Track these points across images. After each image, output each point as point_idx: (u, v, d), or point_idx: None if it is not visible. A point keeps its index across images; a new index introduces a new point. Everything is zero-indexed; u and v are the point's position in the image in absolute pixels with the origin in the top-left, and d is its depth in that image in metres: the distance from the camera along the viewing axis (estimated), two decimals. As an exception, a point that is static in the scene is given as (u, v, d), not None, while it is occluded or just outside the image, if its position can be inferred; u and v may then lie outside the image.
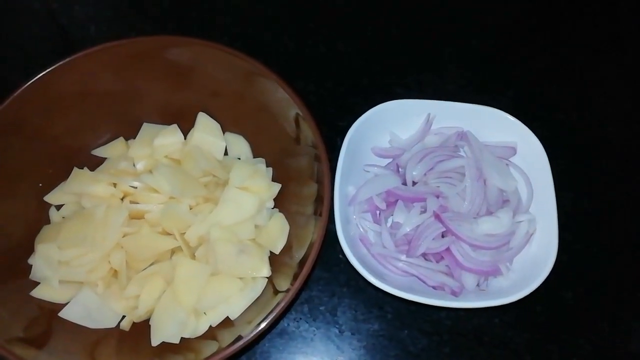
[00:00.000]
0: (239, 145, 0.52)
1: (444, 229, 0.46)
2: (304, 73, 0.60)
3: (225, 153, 0.52)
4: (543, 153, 0.49)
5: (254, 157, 0.52)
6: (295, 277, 0.41)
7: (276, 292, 0.44)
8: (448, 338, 0.48)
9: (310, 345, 0.48)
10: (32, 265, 0.44)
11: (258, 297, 0.45)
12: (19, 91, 0.46)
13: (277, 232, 0.47)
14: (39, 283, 0.44)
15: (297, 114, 0.46)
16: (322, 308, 0.50)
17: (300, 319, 0.49)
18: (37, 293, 0.44)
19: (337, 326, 0.49)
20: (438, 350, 0.48)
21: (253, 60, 0.47)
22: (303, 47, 0.63)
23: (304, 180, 0.48)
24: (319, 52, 0.63)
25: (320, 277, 0.51)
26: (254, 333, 0.39)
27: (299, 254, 0.45)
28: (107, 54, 0.48)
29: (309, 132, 0.45)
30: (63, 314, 0.43)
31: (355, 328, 0.49)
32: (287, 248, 0.47)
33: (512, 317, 0.49)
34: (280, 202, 0.50)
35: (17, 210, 0.46)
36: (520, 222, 0.47)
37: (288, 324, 0.49)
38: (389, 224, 0.49)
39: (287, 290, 0.41)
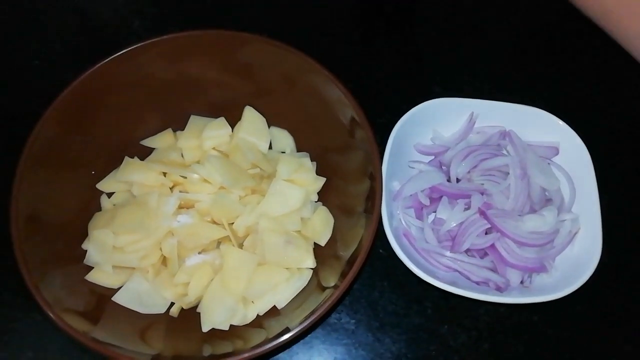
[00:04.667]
0: (284, 139, 0.53)
1: (488, 226, 0.46)
2: (344, 70, 0.61)
3: (270, 147, 0.53)
4: (586, 153, 0.49)
5: (298, 151, 0.54)
6: (343, 274, 0.42)
7: (320, 284, 0.45)
8: (487, 334, 0.49)
9: (351, 337, 0.49)
10: (86, 251, 0.46)
11: (304, 288, 0.46)
12: (75, 82, 0.47)
13: (322, 224, 0.48)
14: (93, 268, 0.45)
15: (349, 112, 0.46)
16: (362, 301, 0.50)
17: (342, 310, 0.50)
18: (91, 277, 0.45)
19: (377, 319, 0.50)
20: (477, 346, 0.48)
21: (306, 57, 0.47)
22: (343, 45, 0.64)
23: (351, 176, 0.48)
24: (359, 50, 0.64)
25: (362, 271, 0.51)
26: (304, 325, 0.40)
27: (344, 248, 0.45)
28: (160, 47, 0.49)
29: (359, 130, 0.45)
30: (116, 298, 0.45)
31: (395, 322, 0.49)
32: (332, 241, 0.48)
33: (552, 315, 0.49)
34: (323, 196, 0.51)
35: (72, 197, 0.47)
36: (564, 220, 0.47)
37: (330, 316, 0.50)
38: (430, 220, 0.50)
39: (335, 286, 0.41)
